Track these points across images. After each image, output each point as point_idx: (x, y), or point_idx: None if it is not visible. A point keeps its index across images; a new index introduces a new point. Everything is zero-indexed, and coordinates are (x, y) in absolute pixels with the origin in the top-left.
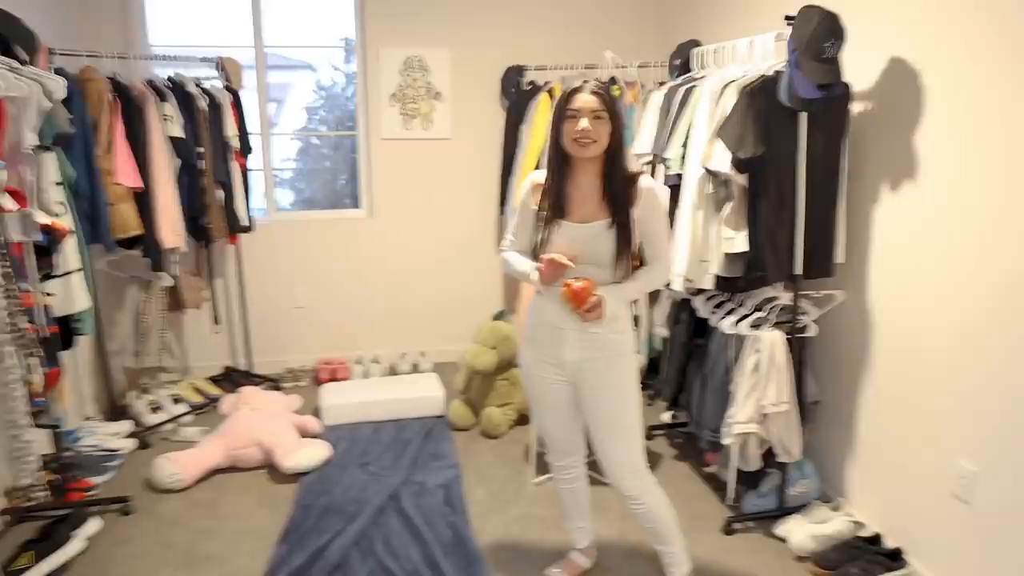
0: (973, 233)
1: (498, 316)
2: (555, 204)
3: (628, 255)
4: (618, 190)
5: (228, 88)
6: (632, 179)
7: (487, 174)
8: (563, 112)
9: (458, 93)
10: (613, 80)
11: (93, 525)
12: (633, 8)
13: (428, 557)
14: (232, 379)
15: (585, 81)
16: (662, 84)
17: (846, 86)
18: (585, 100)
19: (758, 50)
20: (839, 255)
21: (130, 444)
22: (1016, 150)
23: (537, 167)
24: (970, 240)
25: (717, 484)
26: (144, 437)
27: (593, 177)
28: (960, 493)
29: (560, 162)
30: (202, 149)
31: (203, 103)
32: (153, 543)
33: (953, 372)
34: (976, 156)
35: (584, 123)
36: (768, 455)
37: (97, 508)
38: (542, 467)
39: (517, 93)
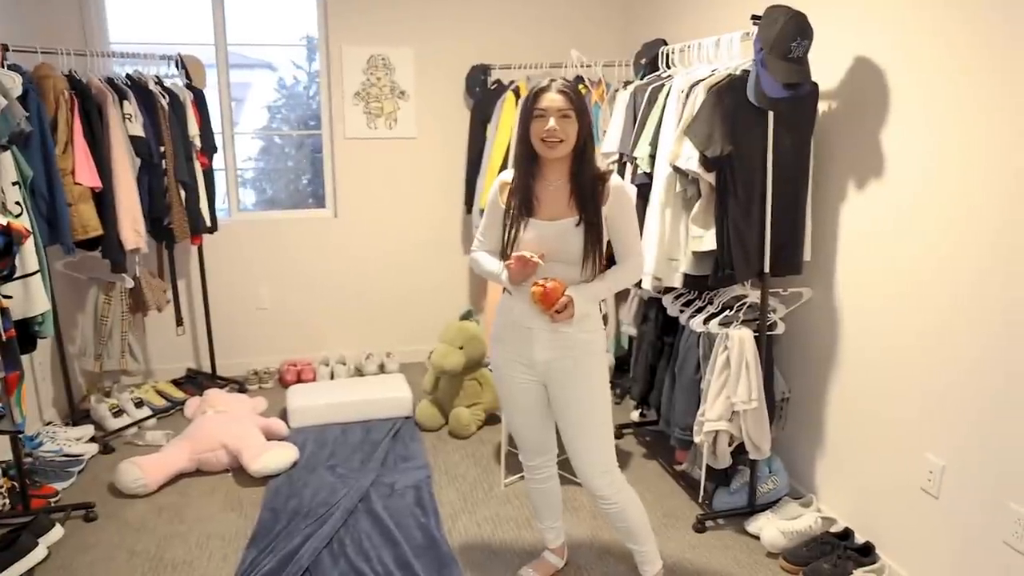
0: (938, 231)
1: (465, 316)
2: (523, 202)
3: (597, 254)
4: (586, 188)
5: (190, 86)
6: (602, 177)
7: (453, 173)
8: (530, 111)
9: (423, 92)
10: (579, 79)
11: (55, 532)
12: (598, 7)
13: (400, 559)
14: (195, 382)
15: (552, 80)
16: (628, 83)
17: (814, 85)
18: (552, 99)
19: (724, 49)
20: (807, 253)
21: (92, 449)
22: (980, 148)
23: (504, 166)
24: (935, 238)
25: (688, 482)
26: (107, 442)
27: (561, 175)
28: (928, 487)
29: (528, 160)
30: (164, 148)
31: (164, 101)
32: (118, 549)
33: (919, 367)
34: (941, 154)
35: (551, 123)
36: (738, 452)
37: (60, 515)
38: (512, 467)
39: (482, 92)
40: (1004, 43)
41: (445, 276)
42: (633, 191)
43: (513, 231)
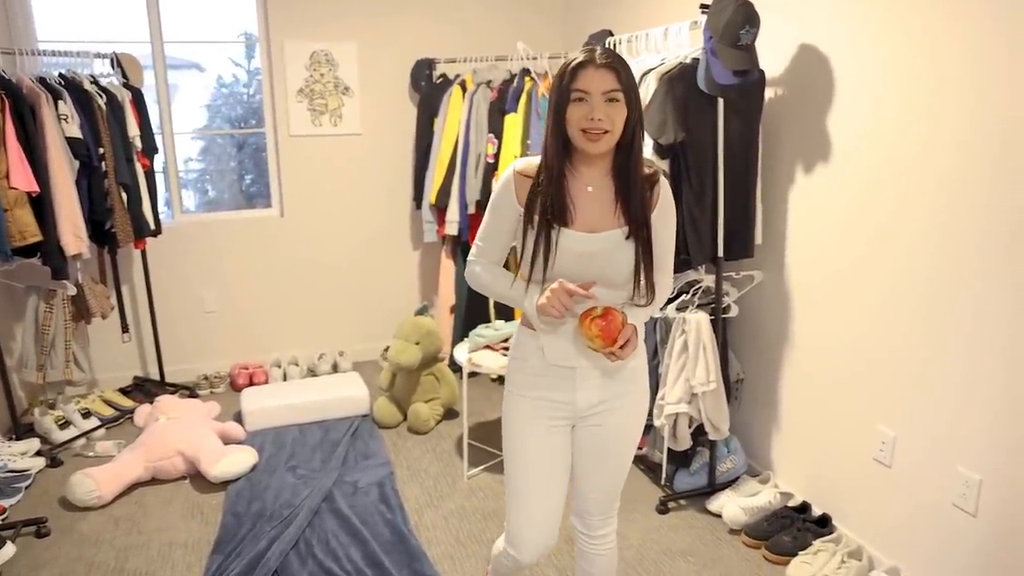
0: (880, 212)
1: (420, 311)
2: (558, 208)
3: (652, 271)
4: (636, 191)
5: (127, 86)
6: (650, 178)
7: (400, 169)
8: (566, 92)
9: (367, 87)
10: (526, 71)
11: (7, 550)
12: None
13: (369, 556)
14: (143, 389)
15: (592, 49)
16: None
17: (761, 72)
18: (595, 77)
19: (673, 38)
20: (758, 236)
21: (39, 463)
22: (924, 129)
23: (452, 161)
24: (879, 218)
25: (648, 466)
26: (54, 455)
27: (602, 173)
28: (881, 457)
29: (561, 155)
30: (103, 150)
31: (101, 101)
32: (76, 564)
33: (866, 343)
34: (885, 137)
35: (596, 108)
36: (696, 434)
37: (10, 532)
38: (474, 460)
39: (428, 86)
40: (945, 25)
41: (396, 272)
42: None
43: (543, 246)
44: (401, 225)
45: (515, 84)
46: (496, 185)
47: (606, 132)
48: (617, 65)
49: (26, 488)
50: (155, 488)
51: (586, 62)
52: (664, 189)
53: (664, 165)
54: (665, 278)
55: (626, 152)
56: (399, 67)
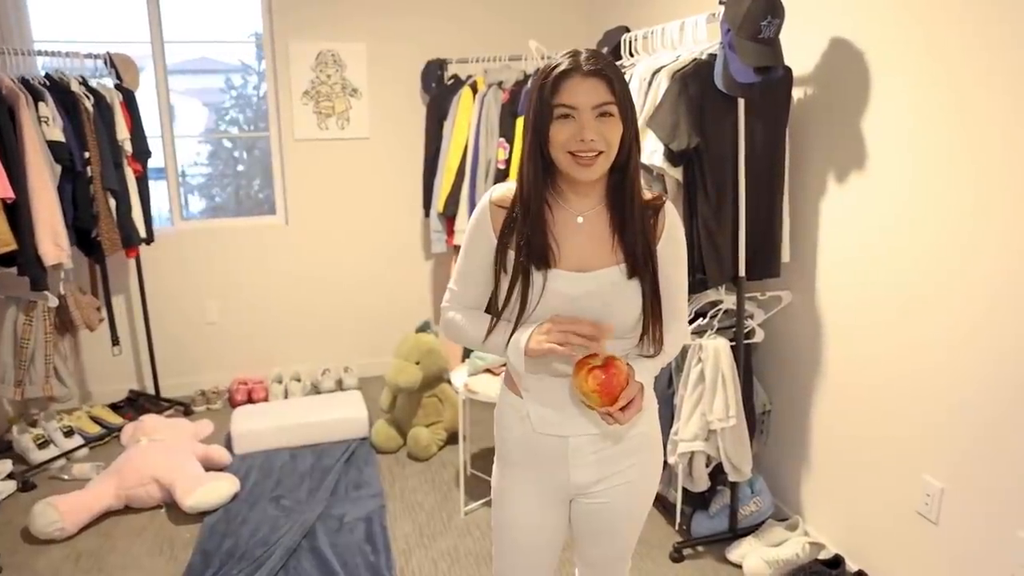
0: (929, 226)
1: (422, 328)
2: (533, 246)
3: (659, 316)
4: (636, 221)
5: (120, 87)
6: (653, 204)
7: (410, 175)
8: (548, 109)
9: (376, 89)
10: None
11: None
12: None
13: None
14: (137, 404)
15: (577, 54)
16: None
17: (787, 69)
18: (584, 89)
19: (690, 33)
20: (785, 254)
21: (10, 487)
22: (970, 133)
23: (462, 167)
24: (926, 234)
25: (664, 505)
26: (27, 478)
27: (595, 200)
28: (925, 511)
29: (541, 183)
30: (88, 154)
31: (88, 103)
32: None
33: (913, 377)
34: (927, 143)
35: (586, 127)
36: (717, 472)
37: None
38: (473, 493)
39: (438, 88)
40: (998, 14)
41: (405, 284)
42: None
43: (519, 292)
44: (411, 234)
45: (528, 85)
46: (473, 217)
47: (600, 154)
48: (609, 72)
49: None
50: (127, 517)
51: (571, 70)
52: (671, 216)
53: (676, 174)
54: (679, 324)
55: (621, 173)
56: (409, 68)
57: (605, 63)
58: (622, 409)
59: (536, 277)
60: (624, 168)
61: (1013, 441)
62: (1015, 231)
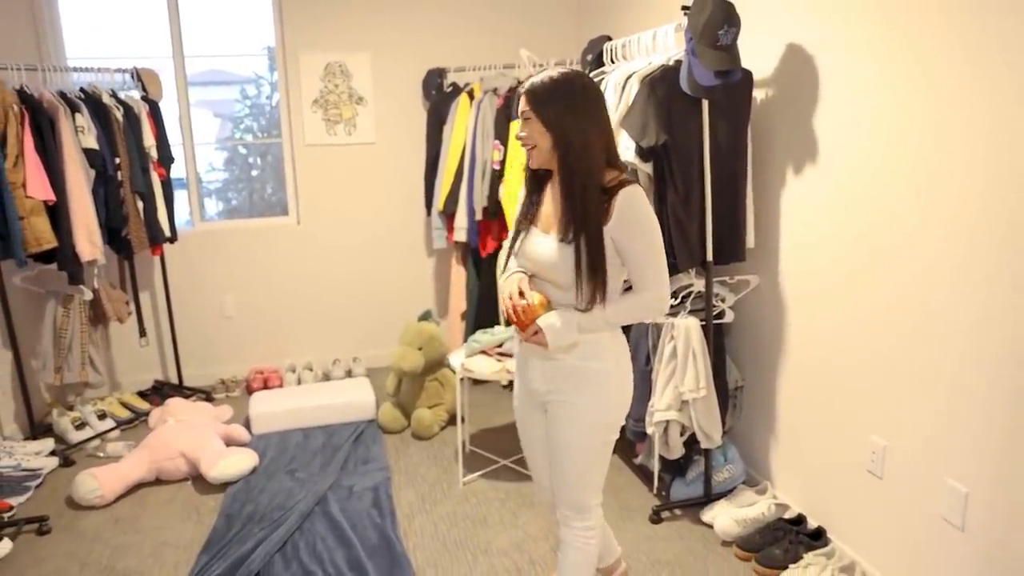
0: (874, 215)
1: (424, 316)
2: (524, 208)
3: (591, 280)
4: (575, 201)
5: (146, 99)
6: (609, 189)
7: (413, 177)
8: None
9: (381, 97)
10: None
11: (3, 547)
12: (549, 7)
13: (353, 560)
14: (162, 392)
15: (530, 76)
16: None
17: (747, 72)
18: (520, 102)
19: (661, 41)
20: (750, 240)
21: (52, 463)
22: (913, 131)
23: (460, 167)
24: (873, 220)
25: (645, 474)
26: (67, 455)
27: (556, 183)
28: (873, 468)
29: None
30: (119, 160)
31: (118, 114)
32: (71, 561)
33: (861, 349)
34: (874, 138)
35: (521, 127)
36: (693, 442)
37: (12, 530)
38: (471, 465)
39: (438, 95)
40: (937, 20)
41: (410, 279)
42: (649, 212)
43: (514, 240)
44: (415, 232)
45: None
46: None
47: (533, 147)
48: (530, 90)
49: (36, 487)
50: (157, 489)
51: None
52: (622, 200)
53: (647, 168)
54: (647, 293)
55: (561, 162)
56: (411, 77)
57: (532, 84)
58: (529, 337)
59: (523, 231)
60: (563, 160)
61: (943, 398)
62: (952, 217)
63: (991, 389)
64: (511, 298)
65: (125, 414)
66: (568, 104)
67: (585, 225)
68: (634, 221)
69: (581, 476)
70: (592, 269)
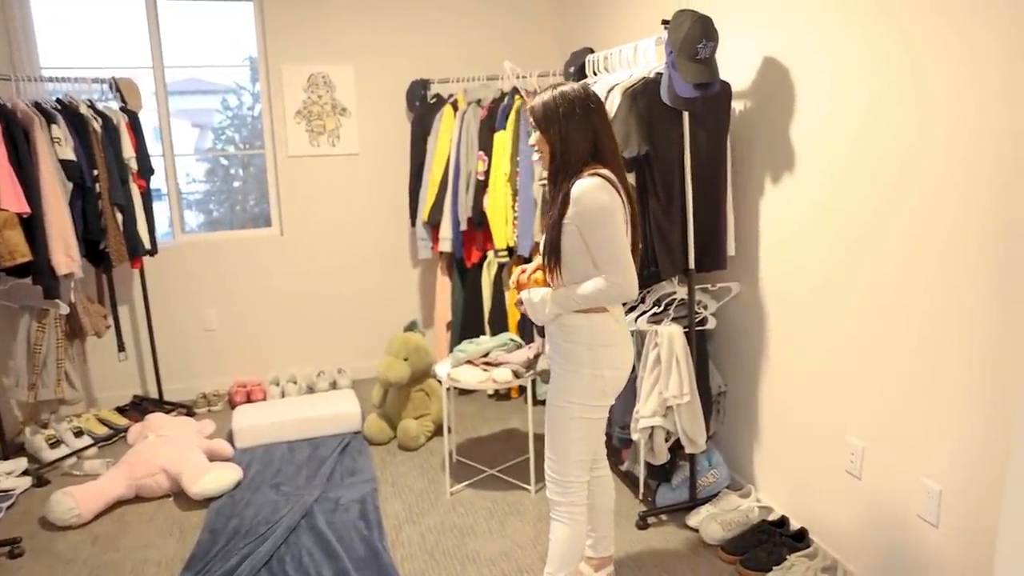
0: (849, 224)
1: (410, 327)
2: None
3: (551, 262)
4: (556, 198)
5: (124, 109)
6: (566, 186)
7: (397, 188)
8: None
9: (364, 108)
10: (515, 90)
11: None
12: (533, 19)
13: (340, 573)
14: (141, 408)
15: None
16: None
17: (726, 85)
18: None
19: (642, 54)
20: (731, 248)
21: (25, 483)
22: (887, 141)
23: (444, 178)
24: (846, 230)
25: (631, 480)
26: (41, 474)
27: None
28: (852, 468)
29: None
30: (97, 171)
31: (96, 124)
32: None
33: (838, 353)
34: (849, 148)
35: (531, 137)
36: (677, 448)
37: None
38: (458, 476)
39: (422, 106)
40: (906, 31)
41: (395, 290)
42: (597, 202)
43: None
44: (399, 243)
45: (505, 102)
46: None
47: (542, 154)
48: (532, 107)
49: (7, 508)
50: (138, 506)
51: None
52: (574, 192)
53: (630, 178)
54: (604, 278)
55: (549, 164)
56: (395, 88)
57: (534, 104)
58: (518, 307)
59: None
60: (552, 160)
61: (919, 399)
62: (928, 224)
63: (964, 390)
64: (523, 271)
65: (103, 431)
66: (564, 117)
67: (556, 219)
68: (583, 209)
69: (554, 443)
70: (549, 251)
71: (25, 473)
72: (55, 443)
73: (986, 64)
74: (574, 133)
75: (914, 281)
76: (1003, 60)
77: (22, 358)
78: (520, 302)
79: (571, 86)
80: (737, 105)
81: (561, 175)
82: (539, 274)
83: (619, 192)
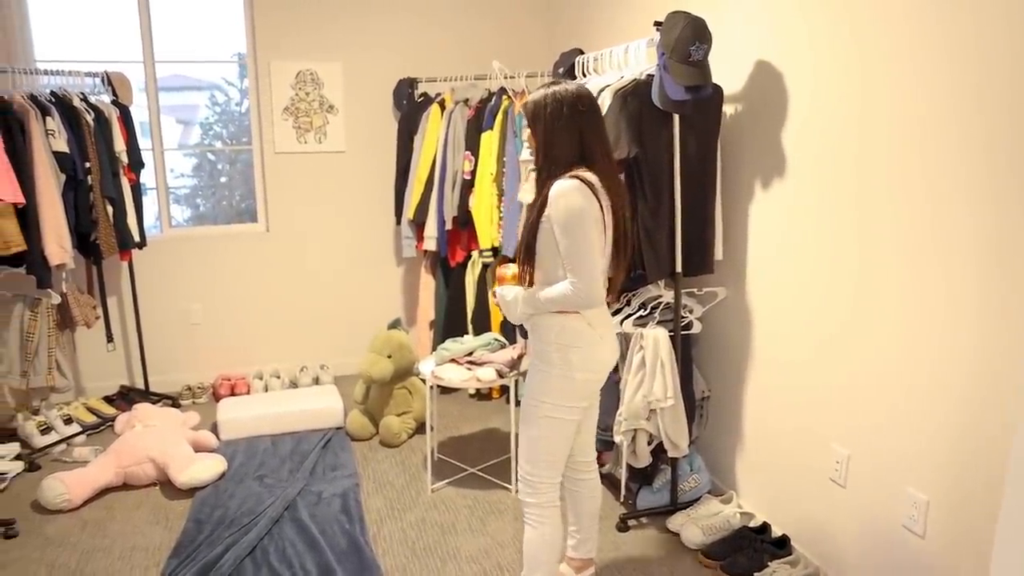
0: (837, 229)
1: (393, 325)
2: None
3: (525, 261)
4: (539, 193)
5: (116, 103)
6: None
7: (383, 186)
8: None
9: (351, 106)
10: (503, 90)
11: None
12: (521, 19)
13: (322, 565)
14: (128, 398)
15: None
16: None
17: (718, 88)
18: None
19: (633, 56)
20: (718, 252)
21: (17, 467)
22: (877, 147)
23: (431, 177)
24: (833, 236)
25: (612, 482)
26: (33, 459)
27: None
28: (836, 476)
29: None
30: (89, 164)
31: (89, 117)
32: (38, 565)
33: (823, 361)
34: (839, 154)
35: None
36: (659, 451)
37: None
38: (439, 473)
39: (409, 105)
40: (899, 36)
41: (378, 287)
42: (569, 205)
43: None
44: (384, 241)
45: (492, 102)
46: None
47: (535, 150)
48: (526, 102)
49: (1, 491)
50: (125, 494)
51: None
52: (549, 192)
53: None
54: (567, 282)
55: (539, 166)
56: (383, 86)
57: (526, 102)
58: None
59: None
60: (542, 162)
61: (904, 407)
62: (916, 231)
63: (952, 399)
64: (505, 266)
65: (91, 419)
66: (551, 116)
67: (534, 220)
68: (556, 211)
69: (523, 441)
70: (524, 251)
71: (18, 458)
72: (46, 429)
73: (980, 69)
74: (559, 133)
75: (901, 289)
76: (997, 65)
77: (15, 346)
78: (495, 294)
79: (565, 86)
80: (728, 109)
81: (545, 174)
82: (513, 270)
83: (598, 196)
